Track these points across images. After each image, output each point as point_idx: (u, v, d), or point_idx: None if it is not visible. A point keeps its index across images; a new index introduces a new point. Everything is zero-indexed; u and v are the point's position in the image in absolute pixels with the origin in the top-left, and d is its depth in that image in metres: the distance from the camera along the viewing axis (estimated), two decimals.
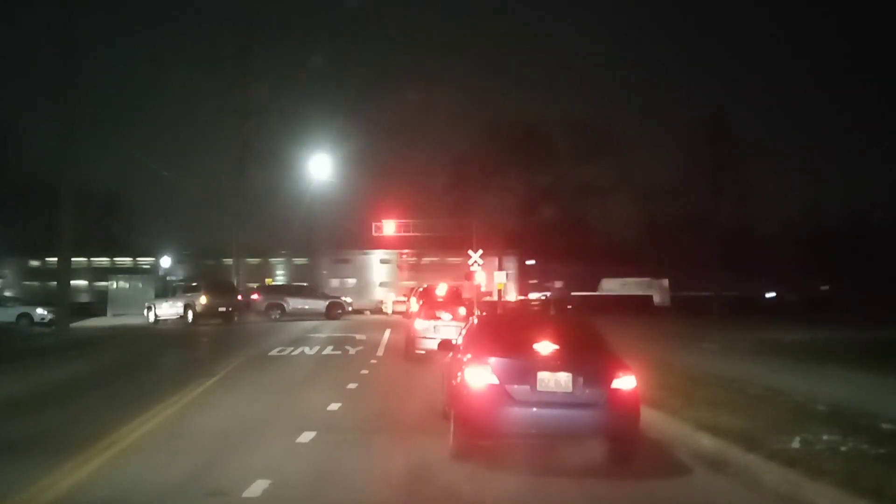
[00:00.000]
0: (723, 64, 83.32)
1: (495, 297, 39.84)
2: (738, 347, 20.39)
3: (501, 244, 43.22)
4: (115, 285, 43.59)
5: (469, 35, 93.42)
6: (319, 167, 40.86)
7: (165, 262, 41.99)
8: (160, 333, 30.04)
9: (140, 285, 43.35)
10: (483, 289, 39.82)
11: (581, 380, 7.54)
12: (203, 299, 32.96)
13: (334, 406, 11.19)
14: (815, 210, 50.99)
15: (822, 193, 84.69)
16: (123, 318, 37.65)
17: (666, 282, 43.79)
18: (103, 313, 41.04)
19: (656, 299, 42.52)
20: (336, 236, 52.25)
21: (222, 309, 33.46)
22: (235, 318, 33.75)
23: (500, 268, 39.55)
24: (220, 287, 35.01)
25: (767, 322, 31.48)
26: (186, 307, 33.07)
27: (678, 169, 49.12)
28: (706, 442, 8.58)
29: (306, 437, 8.92)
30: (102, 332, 29.01)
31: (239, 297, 35.83)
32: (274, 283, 44.15)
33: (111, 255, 50.48)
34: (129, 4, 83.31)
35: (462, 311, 18.82)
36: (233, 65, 40.85)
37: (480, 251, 38.46)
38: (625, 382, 7.64)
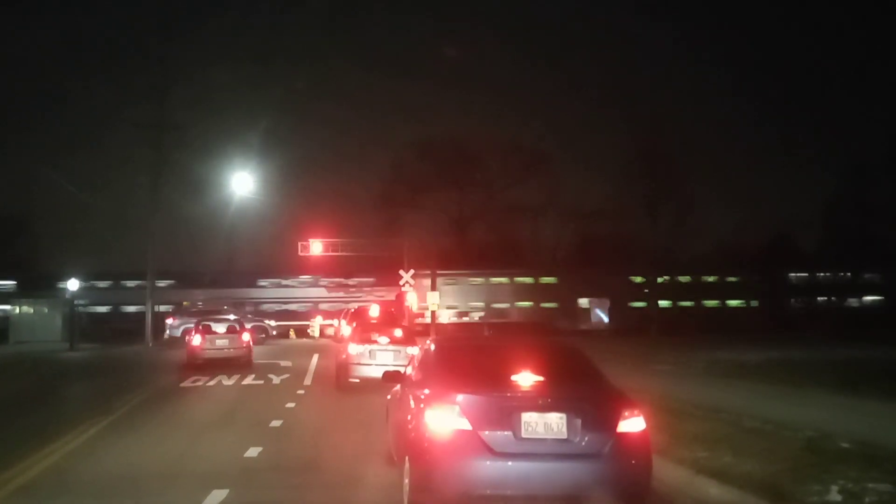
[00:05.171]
0: (657, 85, 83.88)
1: (428, 319, 38.17)
2: (695, 369, 19.14)
3: (434, 264, 41.58)
4: (17, 310, 40.55)
5: (399, 53, 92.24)
6: (241, 186, 38.51)
7: (73, 285, 38.89)
8: (61, 362, 27.28)
9: (45, 310, 40.40)
10: (415, 310, 38.10)
11: (578, 422, 5.80)
12: None
13: (254, 451, 9.19)
14: (746, 230, 51.63)
15: (753, 215, 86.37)
16: (27, 345, 35.31)
17: (607, 301, 42.85)
18: (4, 340, 37.88)
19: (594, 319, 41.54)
20: (260, 258, 50.01)
21: None
22: None
23: (434, 288, 37.96)
24: None
25: (709, 341, 30.38)
26: None
27: (613, 188, 48.92)
28: (714, 491, 7.13)
29: (215, 497, 6.97)
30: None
31: None
32: (191, 306, 41.48)
33: (15, 279, 47.10)
34: (46, 14, 79.19)
35: (399, 333, 17.01)
36: (149, 78, 38.59)
37: (412, 271, 36.79)
38: (633, 424, 5.92)
